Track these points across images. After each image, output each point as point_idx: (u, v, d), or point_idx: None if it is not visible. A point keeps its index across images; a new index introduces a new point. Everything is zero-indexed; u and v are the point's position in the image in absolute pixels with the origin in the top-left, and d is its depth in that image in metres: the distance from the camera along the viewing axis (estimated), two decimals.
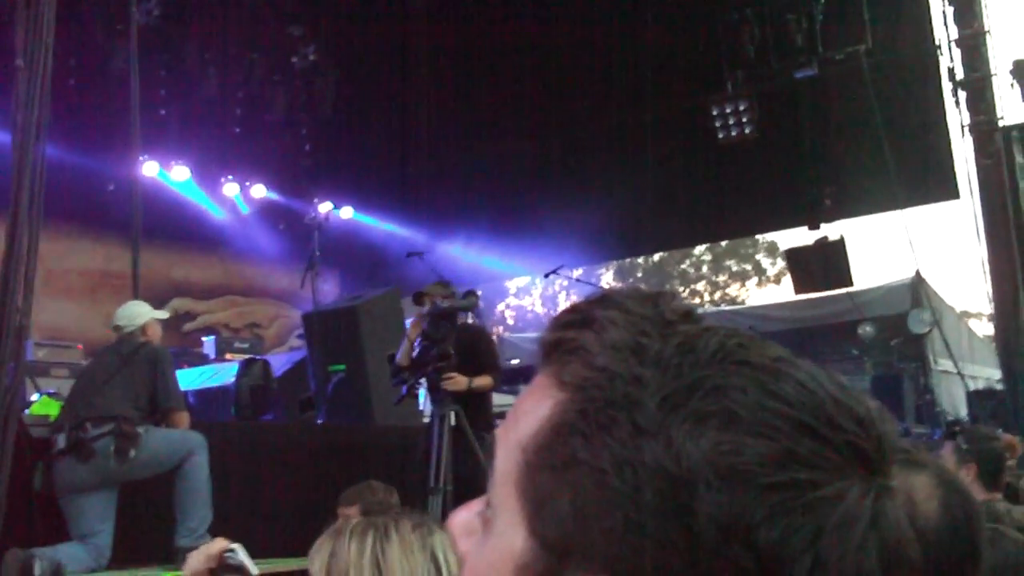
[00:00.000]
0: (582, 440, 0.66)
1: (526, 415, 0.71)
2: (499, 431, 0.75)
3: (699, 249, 35.35)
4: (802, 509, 0.61)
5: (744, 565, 0.61)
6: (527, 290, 36.16)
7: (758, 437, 0.63)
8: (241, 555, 2.33)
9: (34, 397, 7.71)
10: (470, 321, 8.07)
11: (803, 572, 0.61)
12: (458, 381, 6.91)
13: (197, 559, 2.33)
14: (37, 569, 5.56)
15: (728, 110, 12.33)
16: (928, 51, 11.86)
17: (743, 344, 0.69)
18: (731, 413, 0.64)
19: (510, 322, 35.64)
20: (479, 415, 7.00)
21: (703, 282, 38.25)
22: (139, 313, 6.73)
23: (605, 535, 0.64)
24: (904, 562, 0.64)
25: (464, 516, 0.80)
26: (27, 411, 6.70)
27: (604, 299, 0.73)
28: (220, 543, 2.34)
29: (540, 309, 35.70)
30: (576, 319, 0.73)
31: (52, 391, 8.10)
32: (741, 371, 0.66)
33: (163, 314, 7.08)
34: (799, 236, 13.93)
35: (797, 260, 13.82)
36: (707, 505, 0.62)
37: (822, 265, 13.23)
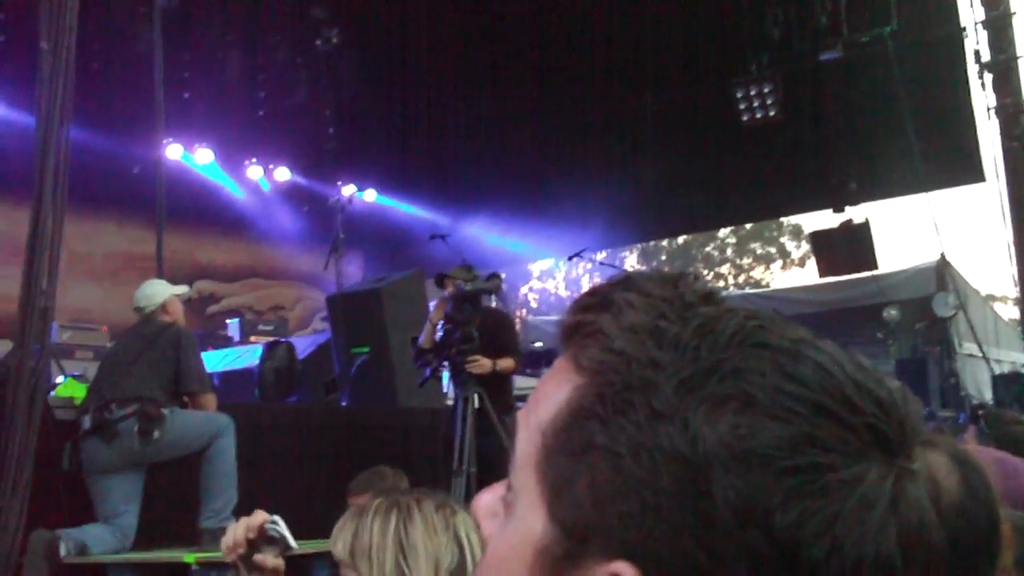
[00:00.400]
0: (599, 424, 0.66)
1: (546, 398, 0.72)
2: (520, 414, 0.75)
3: (723, 232, 35.28)
4: (819, 492, 0.61)
5: (760, 549, 0.61)
6: (550, 273, 36.15)
7: (775, 420, 0.63)
8: (282, 528, 2.32)
9: (59, 379, 7.72)
10: (492, 304, 8.07)
11: (820, 556, 0.61)
12: (483, 364, 6.93)
13: (238, 529, 2.31)
14: (62, 549, 5.61)
15: (752, 92, 12.24)
16: (954, 33, 11.75)
17: (763, 326, 0.68)
18: (748, 396, 0.63)
19: (533, 305, 35.63)
20: (501, 397, 7.01)
21: (727, 265, 38.15)
22: (157, 292, 6.71)
23: (622, 519, 0.64)
24: (924, 546, 0.63)
25: (487, 499, 0.81)
26: (52, 393, 6.71)
27: (624, 281, 0.73)
28: (262, 514, 2.32)
29: (563, 292, 35.67)
30: (595, 302, 0.73)
31: (77, 373, 8.11)
32: (759, 353, 0.66)
33: (181, 289, 7.03)
34: (824, 219, 13.87)
35: (822, 243, 13.76)
36: (723, 489, 0.61)
37: (847, 248, 13.17)
